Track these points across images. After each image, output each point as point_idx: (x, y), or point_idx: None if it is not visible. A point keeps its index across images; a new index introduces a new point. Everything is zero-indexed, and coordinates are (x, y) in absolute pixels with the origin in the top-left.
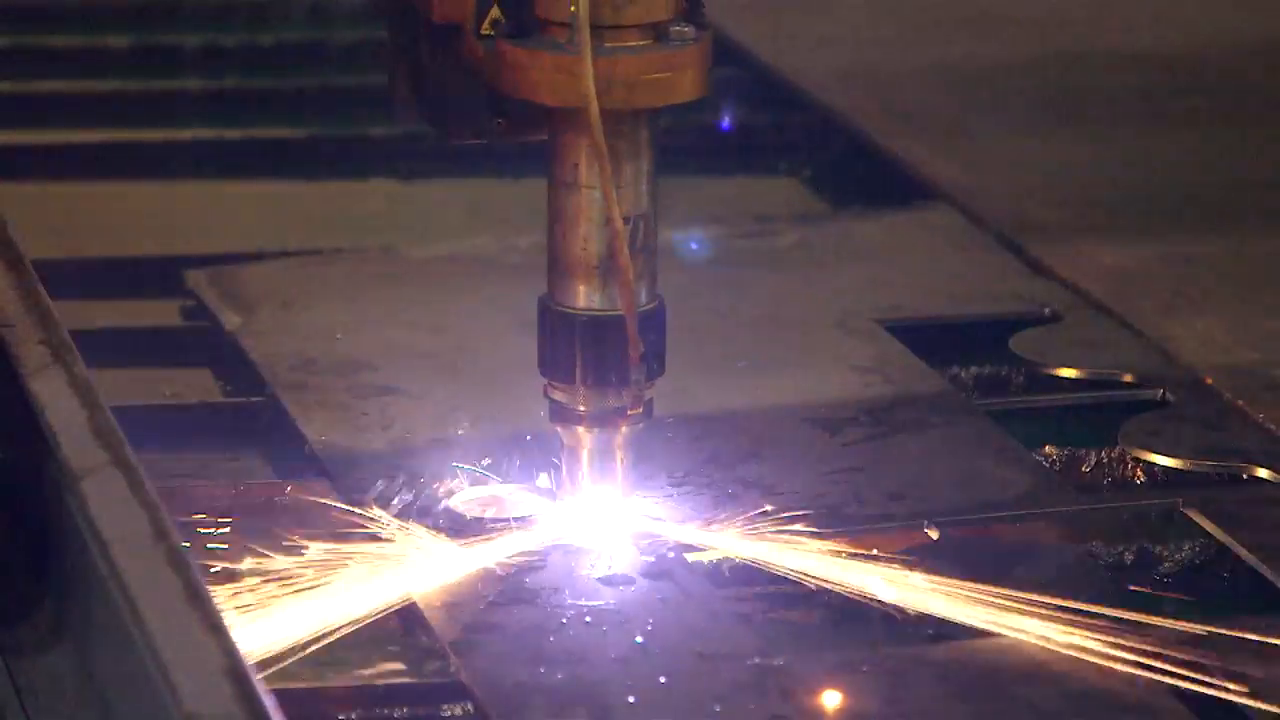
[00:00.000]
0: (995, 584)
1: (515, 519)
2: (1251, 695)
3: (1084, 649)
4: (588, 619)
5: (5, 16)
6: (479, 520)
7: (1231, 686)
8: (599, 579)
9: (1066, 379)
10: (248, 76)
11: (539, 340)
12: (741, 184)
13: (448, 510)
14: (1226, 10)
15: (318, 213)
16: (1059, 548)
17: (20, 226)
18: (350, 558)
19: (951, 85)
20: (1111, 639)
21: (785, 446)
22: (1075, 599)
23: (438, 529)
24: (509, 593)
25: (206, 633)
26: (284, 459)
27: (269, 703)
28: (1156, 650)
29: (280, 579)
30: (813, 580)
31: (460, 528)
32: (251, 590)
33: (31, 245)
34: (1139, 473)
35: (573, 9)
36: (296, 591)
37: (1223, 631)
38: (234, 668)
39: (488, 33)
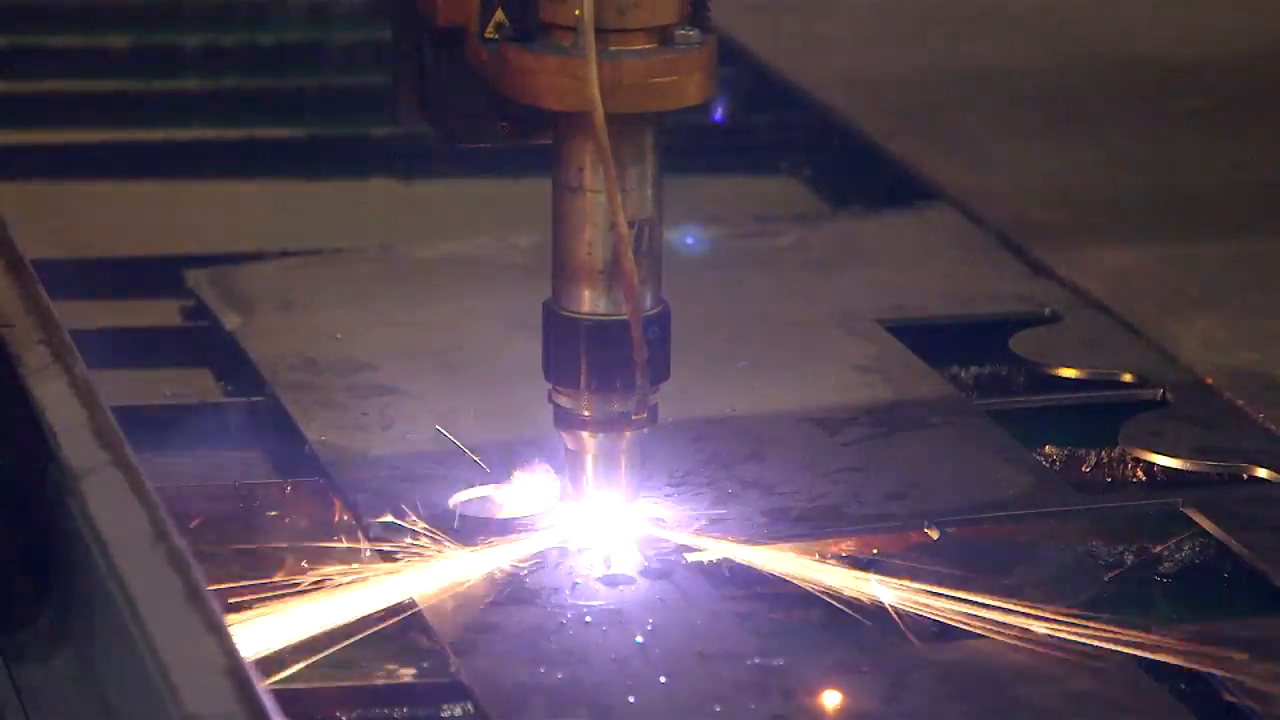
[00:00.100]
0: (995, 585)
1: (518, 520)
2: (1251, 695)
3: (1084, 649)
4: (588, 619)
5: (5, 16)
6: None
7: (1231, 686)
8: (599, 579)
9: (1066, 379)
10: (248, 76)
11: (543, 345)
12: (741, 184)
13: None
14: (1226, 10)
15: (318, 213)
16: (1059, 548)
17: (20, 226)
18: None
19: (952, 86)
20: (1111, 639)
21: (785, 446)
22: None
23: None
24: (509, 593)
25: (206, 633)
26: (284, 459)
27: (269, 703)
28: (1156, 651)
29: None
30: (812, 586)
31: (463, 529)
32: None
33: (31, 245)
34: (1139, 473)
35: (577, 12)
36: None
37: (1222, 631)
38: (234, 668)
39: (492, 36)
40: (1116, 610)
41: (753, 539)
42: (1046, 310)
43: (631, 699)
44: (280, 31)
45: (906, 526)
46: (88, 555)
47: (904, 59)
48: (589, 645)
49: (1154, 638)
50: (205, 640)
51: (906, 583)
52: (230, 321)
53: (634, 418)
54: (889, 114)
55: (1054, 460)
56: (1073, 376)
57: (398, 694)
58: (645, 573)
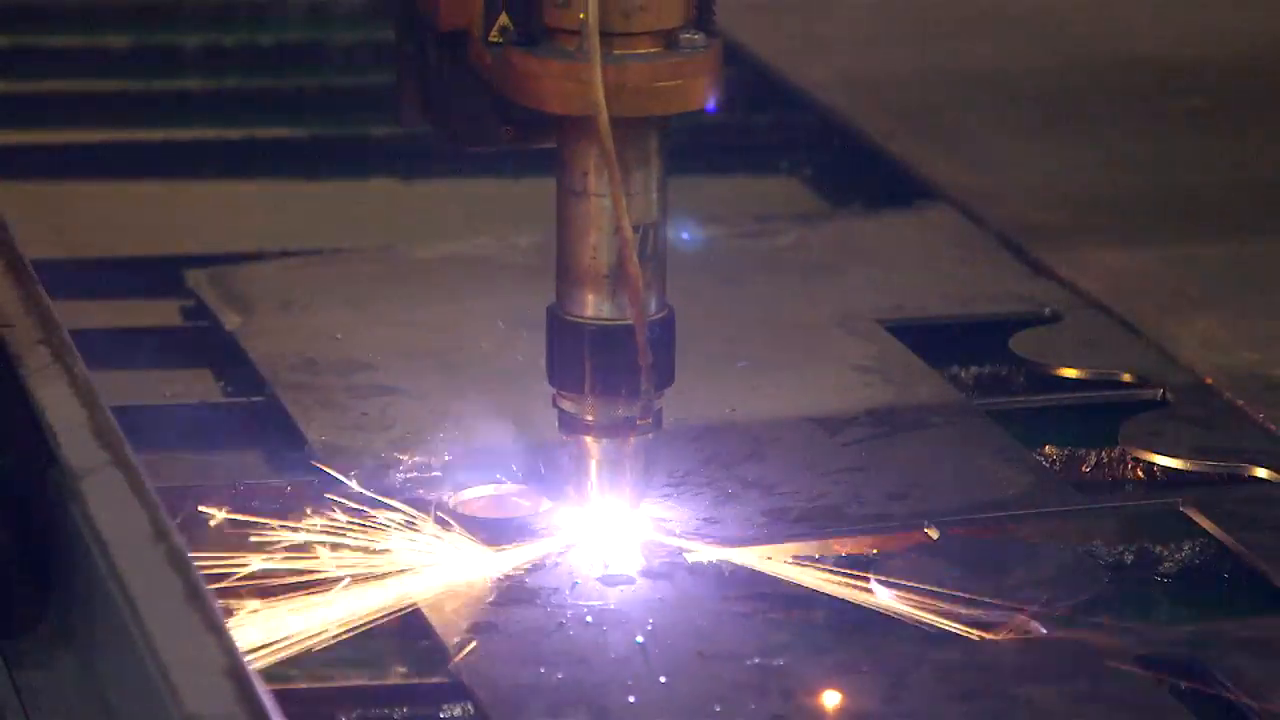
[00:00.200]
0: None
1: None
2: (1251, 695)
3: (1083, 649)
4: (588, 619)
5: (5, 16)
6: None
7: (1231, 686)
8: (599, 579)
9: (1066, 379)
10: (248, 76)
11: (547, 349)
12: (741, 184)
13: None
14: (1226, 10)
15: (318, 213)
16: (1059, 548)
17: (20, 226)
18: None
19: (952, 86)
20: (1111, 639)
21: (785, 446)
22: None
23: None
24: (509, 593)
25: (206, 633)
26: (284, 459)
27: (269, 703)
28: (1156, 650)
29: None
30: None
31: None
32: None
33: (31, 245)
34: (1139, 473)
35: (582, 16)
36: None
37: (1222, 631)
38: (234, 668)
39: (496, 40)
40: (1116, 610)
41: (753, 539)
42: (1046, 310)
43: (631, 699)
44: (280, 31)
45: (906, 526)
46: (88, 555)
47: (904, 59)
48: (589, 645)
49: (1153, 638)
50: (205, 640)
51: (906, 583)
52: (230, 321)
53: (638, 423)
54: (889, 114)
55: (1054, 460)
56: (1073, 376)
57: (398, 694)
58: (645, 573)
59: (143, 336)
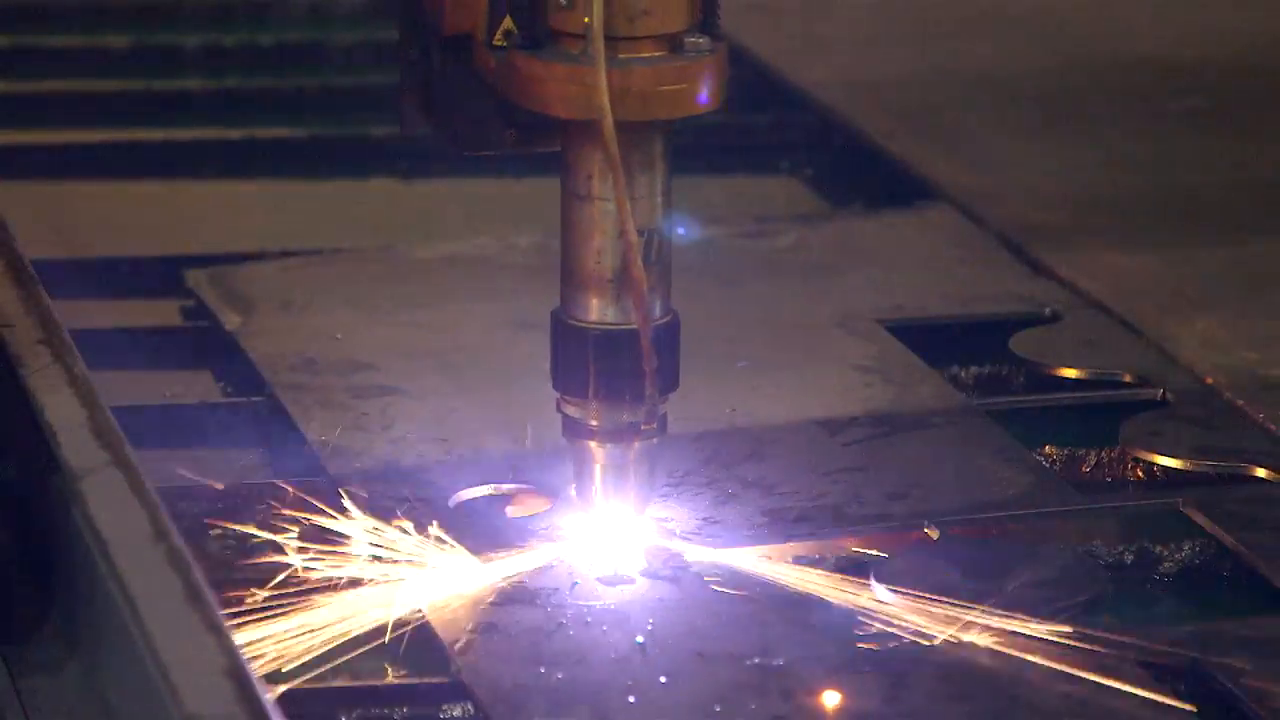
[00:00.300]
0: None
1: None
2: (1251, 695)
3: (1083, 649)
4: (588, 619)
5: (5, 16)
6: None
7: (1231, 686)
8: (599, 579)
9: (1066, 379)
10: (248, 76)
11: (552, 354)
12: (742, 184)
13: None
14: (1226, 10)
15: (318, 213)
16: (1059, 548)
17: (20, 226)
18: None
19: (952, 86)
20: (1111, 639)
21: (785, 446)
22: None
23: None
24: (509, 593)
25: (206, 633)
26: (284, 459)
27: (269, 703)
28: (1156, 650)
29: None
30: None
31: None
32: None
33: (31, 245)
34: (1139, 473)
35: (587, 20)
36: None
37: (1223, 631)
38: (234, 668)
39: (500, 44)
40: (1116, 610)
41: (753, 539)
42: (1046, 310)
43: (631, 699)
44: (280, 31)
45: (906, 526)
46: (88, 555)
47: (904, 59)
48: (589, 645)
49: (1153, 638)
50: (205, 640)
51: (906, 583)
52: (230, 321)
53: (643, 428)
54: (889, 114)
55: (1054, 460)
56: (1072, 376)
57: (398, 694)
58: (645, 573)
59: (143, 336)
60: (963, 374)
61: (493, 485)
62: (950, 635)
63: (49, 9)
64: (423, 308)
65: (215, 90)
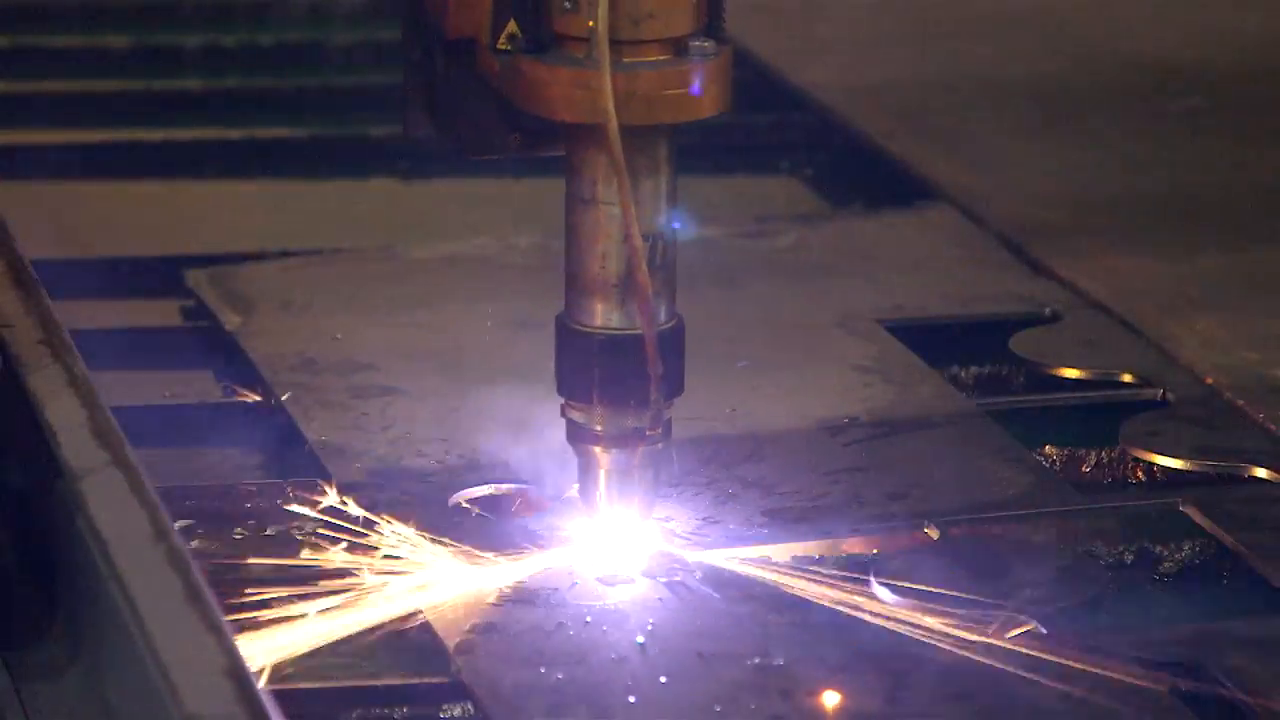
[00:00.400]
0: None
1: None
2: (1251, 695)
3: (1084, 649)
4: (588, 619)
5: (5, 16)
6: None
7: (1231, 686)
8: (599, 579)
9: (1066, 379)
10: (248, 76)
11: (556, 359)
12: (742, 184)
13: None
14: (1226, 10)
15: (318, 213)
16: (1059, 548)
17: (20, 226)
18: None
19: (952, 86)
20: (1111, 639)
21: (785, 446)
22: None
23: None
24: (509, 593)
25: (206, 633)
26: (284, 459)
27: (269, 703)
28: (1156, 650)
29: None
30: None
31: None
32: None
33: (31, 245)
34: (1139, 473)
35: (591, 23)
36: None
37: (1222, 631)
38: (234, 668)
39: (504, 47)
40: (1116, 610)
41: (753, 539)
42: (1046, 310)
43: (631, 699)
44: (280, 31)
45: (906, 527)
46: (88, 556)
47: (904, 59)
48: (589, 645)
49: (1153, 638)
50: (205, 640)
51: (906, 583)
52: (230, 321)
53: (648, 433)
54: (889, 114)
55: (1054, 460)
56: (1072, 376)
57: (398, 694)
58: (645, 573)
59: (143, 336)
60: (963, 374)
61: (492, 486)
62: (950, 635)
63: (49, 9)
64: (423, 308)
65: (215, 90)
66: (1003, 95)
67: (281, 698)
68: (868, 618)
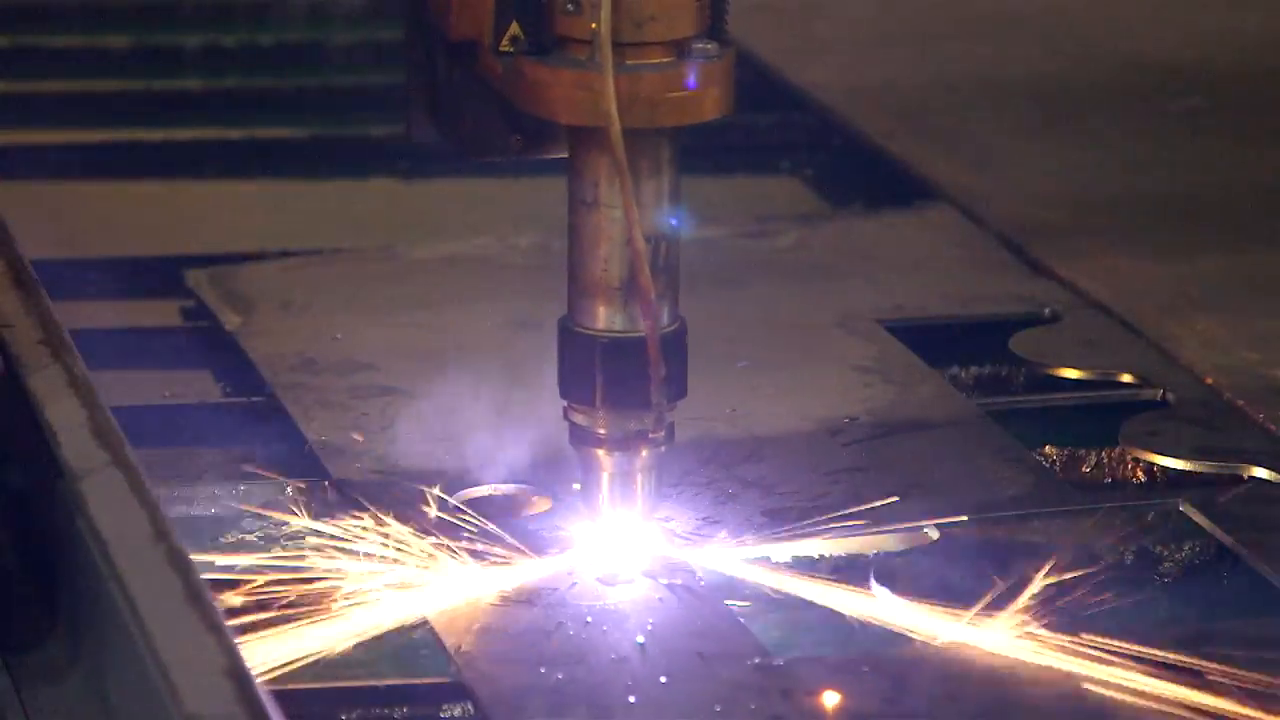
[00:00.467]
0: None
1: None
2: (1251, 695)
3: (1085, 649)
4: (588, 619)
5: (5, 16)
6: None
7: (1231, 686)
8: (599, 579)
9: (1066, 379)
10: (248, 76)
11: (558, 362)
12: (742, 184)
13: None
14: (1226, 10)
15: (318, 213)
16: (1059, 548)
17: (20, 226)
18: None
19: (952, 86)
20: (1111, 639)
21: (785, 447)
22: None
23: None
24: (509, 593)
25: (206, 633)
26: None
27: (269, 703)
28: (1156, 650)
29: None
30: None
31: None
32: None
33: (31, 245)
34: (1139, 473)
35: (594, 26)
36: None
37: (1223, 631)
38: (234, 668)
39: (506, 49)
40: (1117, 610)
41: (753, 540)
42: (1046, 310)
43: (631, 699)
44: (280, 31)
45: (906, 527)
46: (88, 556)
47: (904, 59)
48: (589, 645)
49: (1153, 638)
50: (205, 640)
51: (906, 583)
52: (230, 321)
53: (650, 436)
54: (889, 114)
55: (1054, 460)
56: (1072, 376)
57: (398, 694)
58: (645, 573)
59: (143, 336)
60: (963, 374)
61: (493, 486)
62: (950, 635)
63: (49, 9)
64: (423, 308)
65: (215, 90)
66: (1003, 95)
67: (281, 698)
68: (868, 618)
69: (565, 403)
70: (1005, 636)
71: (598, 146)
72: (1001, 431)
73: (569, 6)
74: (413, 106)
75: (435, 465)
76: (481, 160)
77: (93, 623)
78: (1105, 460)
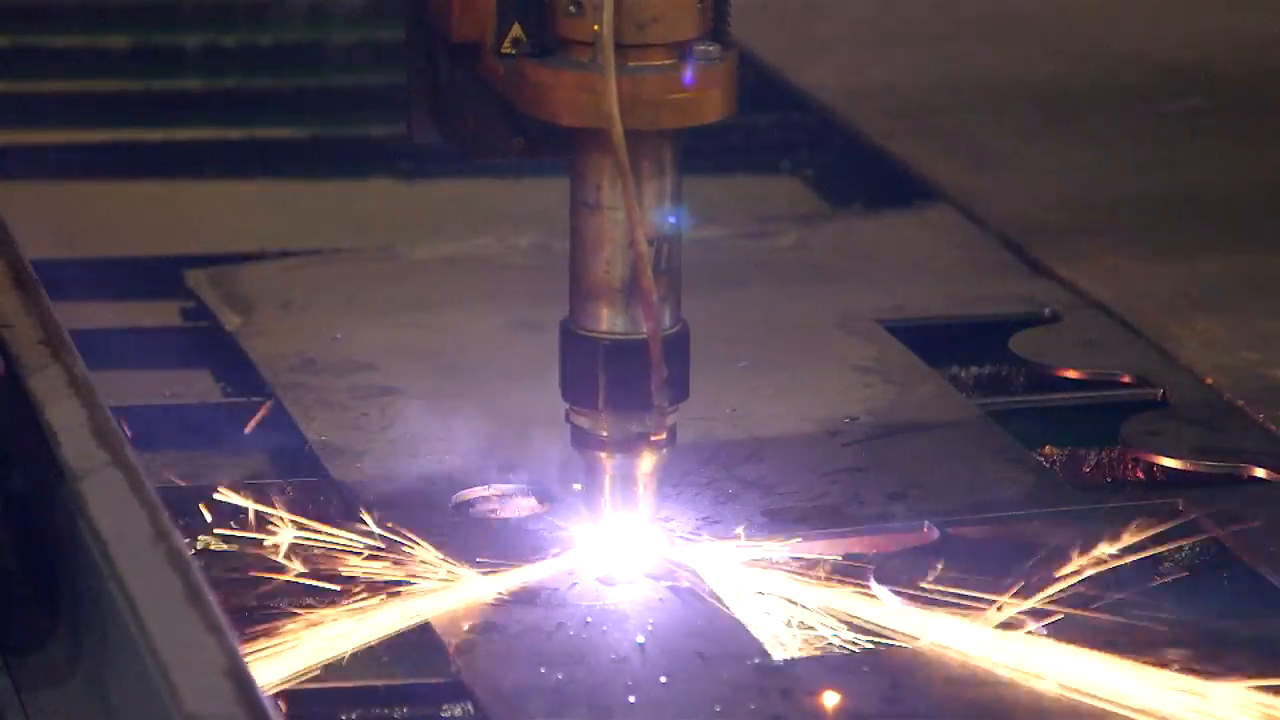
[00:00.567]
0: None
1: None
2: (1250, 693)
3: (1085, 649)
4: (588, 619)
5: (5, 16)
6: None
7: (1231, 683)
8: (599, 579)
9: (1066, 379)
10: (248, 76)
11: (560, 364)
12: (743, 184)
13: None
14: (1226, 10)
15: (318, 213)
16: (1059, 548)
17: (20, 226)
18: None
19: (952, 86)
20: (1111, 639)
21: (785, 447)
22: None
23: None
24: (509, 593)
25: (206, 633)
26: (283, 458)
27: (269, 703)
28: (1156, 650)
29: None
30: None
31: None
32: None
33: (31, 245)
34: (1139, 473)
35: (596, 28)
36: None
37: (1223, 631)
38: (234, 668)
39: (508, 51)
40: (1117, 610)
41: (753, 540)
42: (1046, 310)
43: (631, 699)
44: (280, 31)
45: (906, 527)
46: (88, 556)
47: (904, 59)
48: (589, 645)
49: (1154, 638)
50: (205, 640)
51: (906, 583)
52: (230, 321)
53: (652, 438)
54: (889, 114)
55: (1054, 460)
56: (1072, 376)
57: (398, 694)
58: (646, 573)
59: (143, 336)
60: (963, 374)
61: (492, 486)
62: (950, 635)
63: (49, 9)
64: (423, 308)
65: (215, 90)
66: (1003, 95)
67: (281, 698)
68: (868, 618)
69: (567, 405)
70: (1005, 636)
71: (600, 148)
72: (1001, 431)
73: (571, 8)
74: (414, 108)
75: (433, 466)
76: (483, 162)
77: (93, 623)
78: (1105, 460)
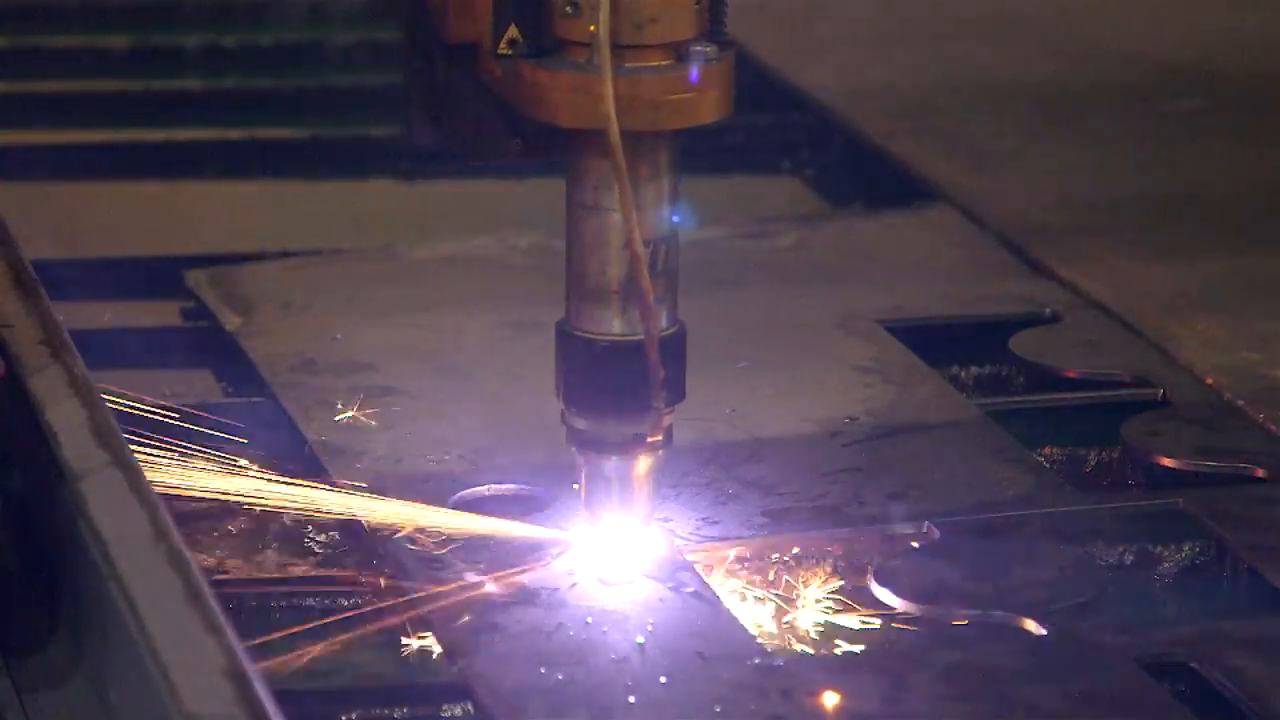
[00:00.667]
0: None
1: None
2: (1251, 695)
3: (1084, 649)
4: (588, 619)
5: (5, 16)
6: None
7: (1231, 686)
8: (599, 579)
9: (1066, 379)
10: (248, 76)
11: (557, 365)
12: (743, 184)
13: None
14: (1226, 10)
15: (318, 213)
16: (1059, 548)
17: (20, 226)
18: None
19: (952, 86)
20: (1111, 639)
21: (785, 447)
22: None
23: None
24: (509, 593)
25: (206, 633)
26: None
27: (269, 703)
28: (1156, 650)
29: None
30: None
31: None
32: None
33: (31, 245)
34: (1139, 473)
35: (592, 28)
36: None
37: (1223, 631)
38: (234, 668)
39: (505, 52)
40: (1116, 610)
41: (753, 540)
42: (1046, 310)
43: (631, 699)
44: (280, 31)
45: (906, 527)
46: (88, 556)
47: (904, 59)
48: (589, 646)
49: (1153, 637)
50: (205, 640)
51: (906, 583)
52: (230, 321)
53: (649, 439)
54: (889, 114)
55: (1054, 460)
56: (1072, 376)
57: (398, 694)
58: (645, 574)
59: (143, 336)
60: (963, 374)
61: (491, 486)
62: (950, 635)
63: (49, 9)
64: (423, 308)
65: (215, 90)
66: (1003, 96)
67: (281, 698)
68: (868, 618)
69: (563, 406)
70: (1004, 636)
71: (597, 150)
72: (1001, 431)
73: (568, 9)
74: (412, 109)
75: (433, 466)
76: (481, 163)
77: (94, 623)
78: (1105, 460)
